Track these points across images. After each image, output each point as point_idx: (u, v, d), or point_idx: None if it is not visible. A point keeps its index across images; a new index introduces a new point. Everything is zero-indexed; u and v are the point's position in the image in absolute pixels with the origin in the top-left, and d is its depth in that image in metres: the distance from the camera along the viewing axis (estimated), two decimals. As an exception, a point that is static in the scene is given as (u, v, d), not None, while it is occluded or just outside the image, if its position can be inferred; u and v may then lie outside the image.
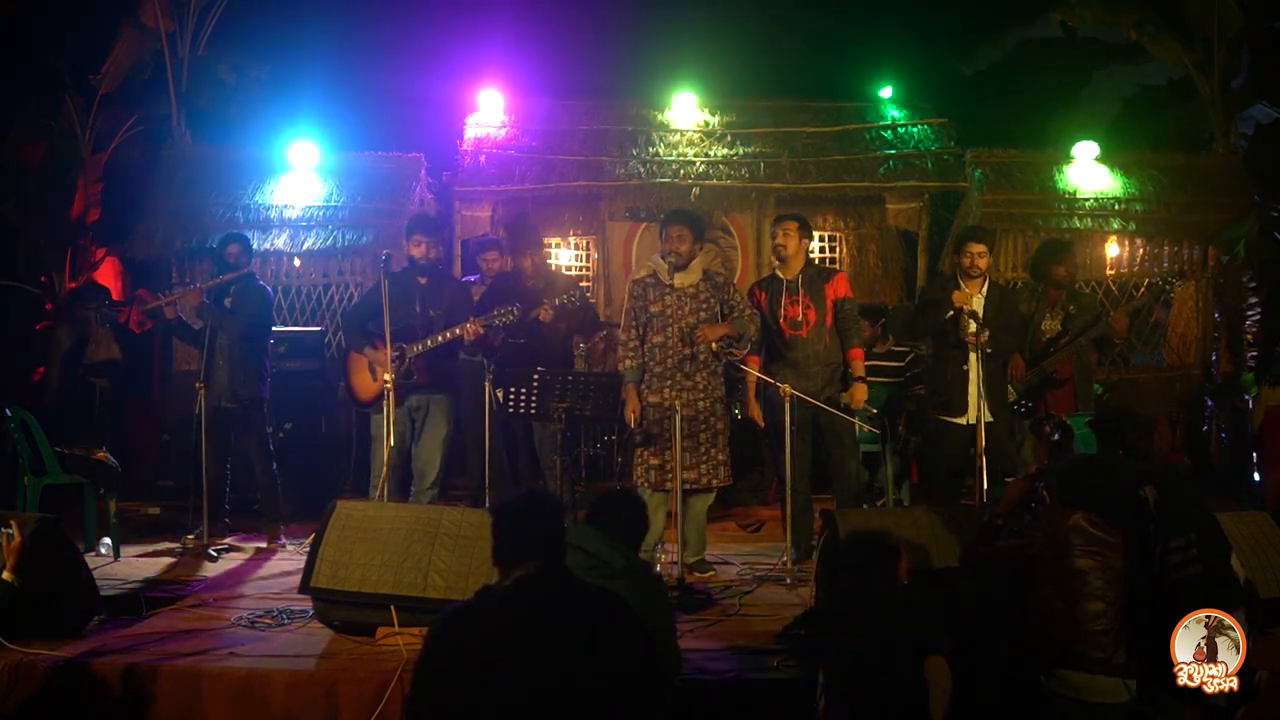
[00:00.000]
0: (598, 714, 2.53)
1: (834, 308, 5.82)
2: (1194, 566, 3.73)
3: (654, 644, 2.77)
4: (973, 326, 5.65)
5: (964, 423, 5.82)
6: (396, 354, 5.67)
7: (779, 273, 5.93)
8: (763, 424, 5.87)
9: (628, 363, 5.72)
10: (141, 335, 8.85)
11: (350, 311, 6.74)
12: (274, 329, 6.95)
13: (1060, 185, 8.70)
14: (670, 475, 5.55)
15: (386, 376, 5.60)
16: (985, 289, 5.90)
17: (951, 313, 5.79)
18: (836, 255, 9.64)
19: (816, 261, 6.77)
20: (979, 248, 5.87)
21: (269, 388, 6.60)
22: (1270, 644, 4.21)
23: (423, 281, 5.99)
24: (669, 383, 5.61)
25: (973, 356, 5.76)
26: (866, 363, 6.00)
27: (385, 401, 5.60)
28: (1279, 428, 6.98)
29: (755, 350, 5.89)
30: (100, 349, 7.96)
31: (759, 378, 6.30)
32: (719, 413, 5.71)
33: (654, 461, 5.63)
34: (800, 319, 5.79)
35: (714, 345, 5.66)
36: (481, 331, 5.75)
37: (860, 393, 5.81)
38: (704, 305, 5.70)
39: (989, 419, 5.66)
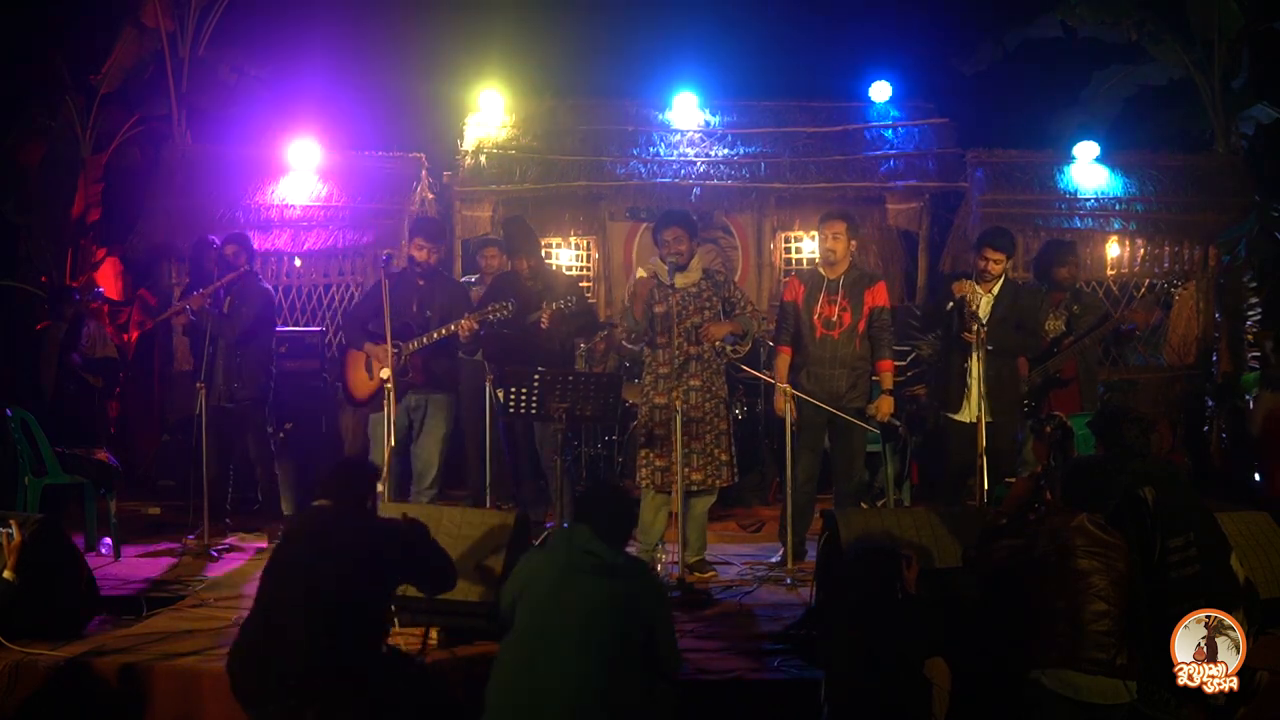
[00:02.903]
0: (330, 598, 3.45)
1: (870, 315, 5.75)
2: (1193, 566, 3.73)
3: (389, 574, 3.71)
4: (973, 325, 5.64)
5: (966, 420, 5.82)
6: (395, 351, 5.68)
7: (822, 270, 5.87)
8: (795, 416, 5.71)
9: (633, 337, 5.71)
10: (142, 335, 8.85)
11: (351, 311, 6.77)
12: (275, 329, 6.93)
13: (1061, 185, 8.69)
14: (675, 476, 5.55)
15: (384, 374, 5.62)
16: (999, 288, 5.88)
17: (952, 304, 5.78)
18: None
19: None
20: (997, 256, 5.81)
21: (271, 388, 6.61)
22: (1270, 644, 4.21)
23: (421, 283, 6.03)
24: (675, 384, 5.60)
25: (973, 355, 5.75)
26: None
27: (385, 401, 5.60)
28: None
29: (788, 342, 5.86)
30: (97, 346, 7.95)
31: (758, 376, 6.30)
32: (722, 413, 5.70)
33: (659, 463, 5.62)
34: (835, 320, 5.73)
35: (718, 343, 5.66)
36: (477, 327, 5.76)
37: (886, 405, 5.76)
38: (706, 304, 5.68)
39: (988, 419, 5.65)
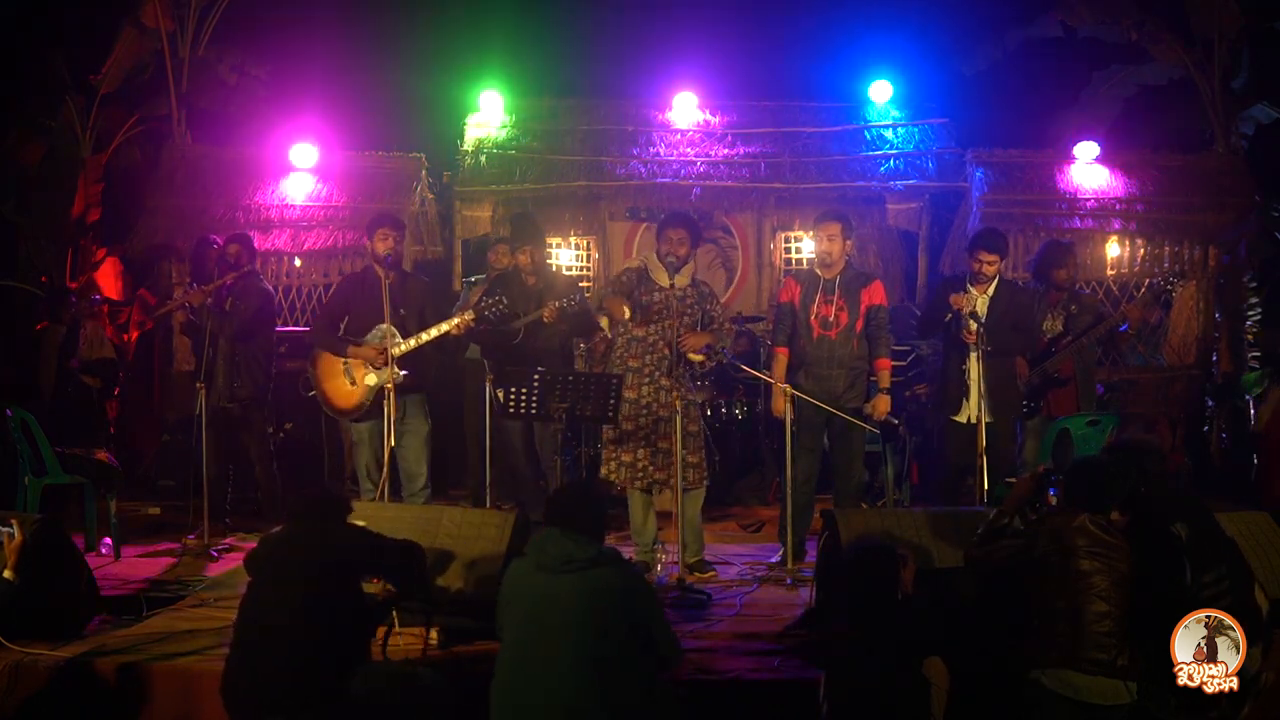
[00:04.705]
0: (300, 619, 3.56)
1: (866, 314, 5.74)
2: (1226, 598, 3.71)
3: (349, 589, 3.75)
4: (973, 325, 5.65)
5: (964, 421, 5.83)
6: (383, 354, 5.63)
7: (818, 270, 5.85)
8: (794, 416, 5.69)
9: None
10: (141, 335, 8.85)
11: (321, 313, 6.45)
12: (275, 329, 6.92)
13: (1061, 185, 8.70)
14: (641, 474, 5.57)
15: (371, 380, 5.58)
16: (994, 289, 5.90)
17: (950, 315, 5.79)
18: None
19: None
20: (990, 257, 5.84)
21: (271, 388, 6.59)
22: (1272, 644, 4.20)
23: (389, 279, 5.75)
24: (647, 379, 5.62)
25: (972, 356, 5.76)
26: None
27: (386, 403, 5.58)
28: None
29: (785, 342, 5.85)
30: (94, 348, 7.95)
31: (758, 376, 6.31)
32: (692, 414, 5.69)
33: (626, 459, 5.62)
34: (832, 320, 5.72)
35: (691, 355, 5.65)
36: (472, 324, 5.68)
37: (883, 404, 5.74)
38: (689, 310, 5.70)
39: (988, 419, 5.66)
